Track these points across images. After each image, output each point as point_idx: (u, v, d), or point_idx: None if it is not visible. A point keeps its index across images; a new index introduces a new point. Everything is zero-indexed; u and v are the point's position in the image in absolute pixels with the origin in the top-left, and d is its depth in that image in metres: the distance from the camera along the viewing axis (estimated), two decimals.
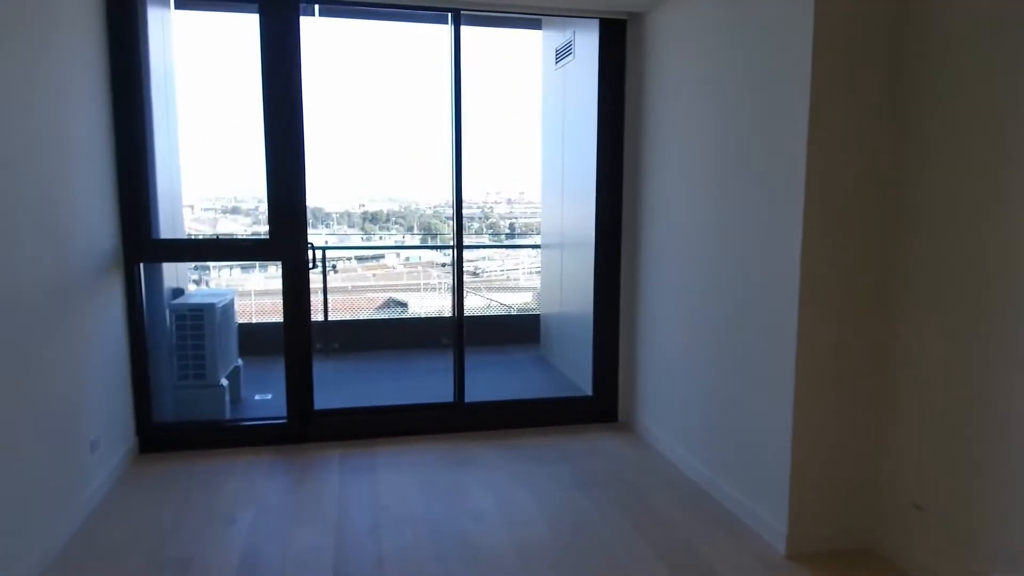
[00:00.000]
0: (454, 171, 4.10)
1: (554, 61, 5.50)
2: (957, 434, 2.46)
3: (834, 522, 2.86)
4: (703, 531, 3.01)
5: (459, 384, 4.20)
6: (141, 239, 3.66)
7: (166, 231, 4.09)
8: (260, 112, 3.73)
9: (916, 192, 2.61)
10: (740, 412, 3.13)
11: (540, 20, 5.91)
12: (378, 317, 8.94)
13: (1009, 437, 2.26)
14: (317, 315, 6.23)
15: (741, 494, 3.13)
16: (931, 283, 2.56)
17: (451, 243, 4.26)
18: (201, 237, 7.33)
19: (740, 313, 3.11)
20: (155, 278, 3.94)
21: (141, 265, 3.72)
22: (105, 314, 3.37)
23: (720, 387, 3.30)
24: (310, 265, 3.87)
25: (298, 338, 3.89)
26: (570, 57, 5.05)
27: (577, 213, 4.88)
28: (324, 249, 6.37)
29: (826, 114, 2.62)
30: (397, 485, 3.43)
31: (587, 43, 4.56)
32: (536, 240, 7.14)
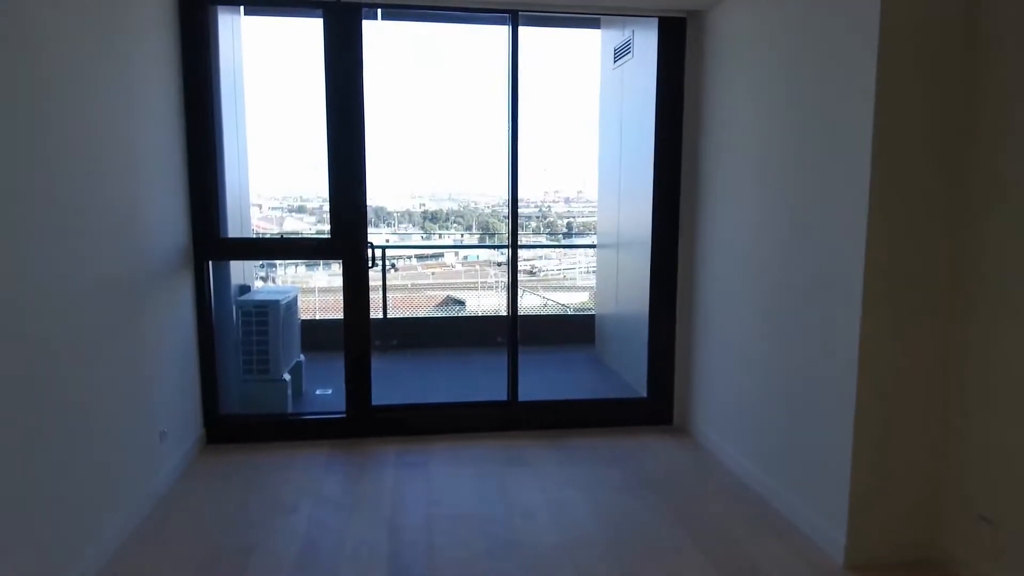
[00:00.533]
0: (510, 171, 4.13)
1: (612, 60, 5.47)
2: None
3: (896, 532, 2.77)
4: (758, 538, 2.96)
5: (512, 383, 4.23)
6: (210, 238, 3.82)
7: (233, 230, 4.25)
8: (323, 114, 3.85)
9: (989, 192, 2.50)
10: (799, 416, 3.06)
11: (599, 19, 5.89)
12: (435, 315, 9.08)
13: None
14: (376, 312, 6.36)
15: (799, 501, 3.06)
16: (1003, 284, 2.45)
17: (506, 242, 4.30)
18: (267, 236, 7.56)
19: (801, 315, 3.04)
20: (223, 275, 4.10)
21: (210, 263, 3.88)
22: (176, 310, 3.53)
23: (779, 391, 3.23)
24: (369, 264, 3.96)
25: (357, 335, 3.99)
26: (628, 56, 5.02)
27: (634, 212, 4.85)
28: (384, 248, 6.50)
29: (893, 114, 2.54)
30: (450, 482, 3.48)
31: (646, 42, 4.53)
32: (593, 239, 7.11)
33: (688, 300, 4.18)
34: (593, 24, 5.98)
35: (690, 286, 4.16)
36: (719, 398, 3.84)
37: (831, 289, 2.80)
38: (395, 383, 5.30)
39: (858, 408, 2.67)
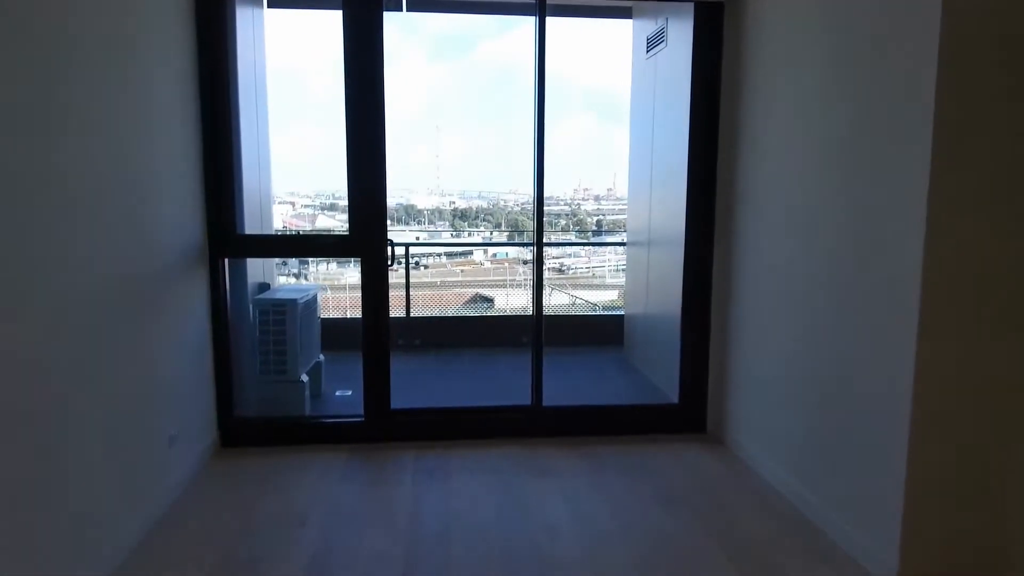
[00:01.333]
0: (535, 168, 3.95)
1: (644, 51, 5.25)
2: None
3: (955, 559, 2.53)
4: (800, 560, 2.74)
5: (537, 387, 4.05)
6: (226, 235, 3.71)
7: (253, 227, 4.15)
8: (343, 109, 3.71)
9: None
10: (847, 428, 2.83)
11: (630, 9, 5.68)
12: (460, 314, 8.93)
13: None
14: (399, 311, 6.23)
15: (845, 521, 2.83)
16: None
17: (531, 240, 4.12)
18: (285, 233, 7.44)
19: (849, 320, 2.81)
20: (239, 273, 3.99)
21: (226, 260, 3.77)
22: (189, 309, 3.43)
23: (823, 399, 3.00)
24: (389, 263, 3.82)
25: (376, 336, 3.85)
26: (662, 45, 4.80)
27: (666, 209, 4.63)
28: (407, 246, 6.35)
29: (957, 103, 2.30)
30: (470, 491, 3.32)
31: (680, 30, 4.31)
32: (622, 237, 6.89)
33: (723, 301, 3.96)
34: (625, 14, 5.77)
35: (726, 286, 3.94)
36: (756, 406, 3.62)
37: (886, 292, 2.57)
38: (417, 385, 5.15)
39: (913, 419, 2.44)
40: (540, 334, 4.06)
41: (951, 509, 2.51)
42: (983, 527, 2.52)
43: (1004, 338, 2.43)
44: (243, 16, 4.04)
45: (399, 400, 3.96)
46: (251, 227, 4.11)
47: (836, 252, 2.88)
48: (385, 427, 3.90)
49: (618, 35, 6.08)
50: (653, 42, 5.01)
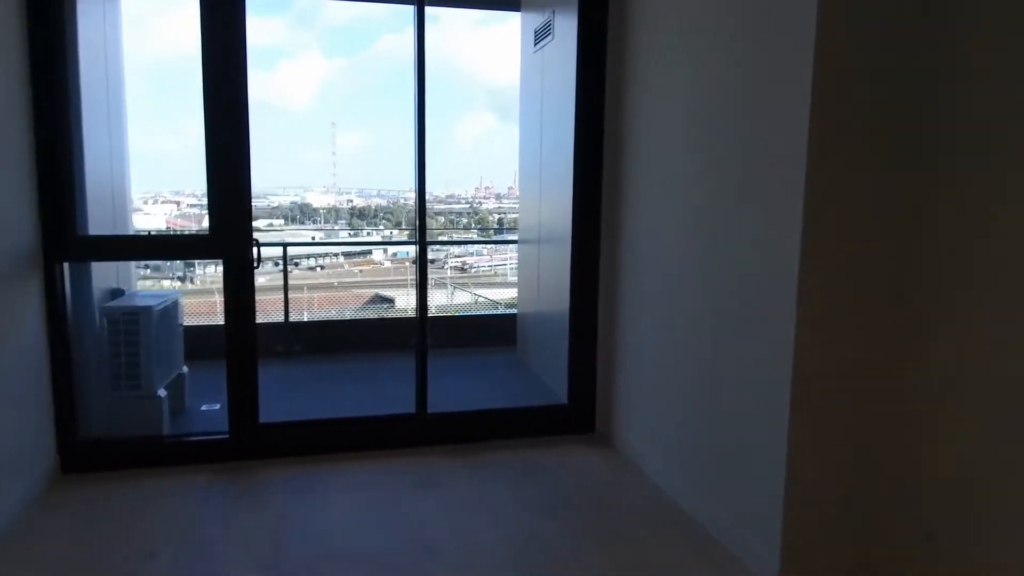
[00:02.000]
0: (416, 163, 3.75)
1: (532, 44, 5.14)
2: (981, 453, 2.13)
3: (836, 555, 2.52)
4: (688, 563, 2.66)
5: (421, 393, 3.84)
6: (64, 236, 3.29)
7: (106, 227, 3.75)
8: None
9: (939, 178, 2.27)
10: (730, 427, 2.78)
11: (519, 0, 5.55)
12: (349, 317, 8.56)
13: None
14: (277, 316, 5.86)
15: (731, 521, 2.78)
16: (951, 283, 2.23)
17: (417, 239, 3.91)
18: (137, 234, 6.81)
19: (731, 318, 2.76)
20: (83, 278, 3.57)
21: (66, 265, 3.36)
22: (17, 320, 3.01)
23: (708, 399, 2.95)
24: (255, 264, 3.51)
25: (241, 343, 3.52)
26: (549, 38, 4.69)
27: (555, 206, 4.52)
28: (284, 246, 5.97)
29: (831, 96, 2.26)
30: (346, 512, 3.07)
31: (567, 21, 4.20)
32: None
33: (611, 298, 3.88)
34: (513, 6, 5.64)
35: (613, 283, 3.86)
36: (643, 405, 3.55)
37: (766, 289, 2.52)
38: (294, 395, 4.81)
39: (792, 419, 2.40)
40: (424, 337, 3.86)
41: (831, 509, 2.49)
42: (865, 524, 2.52)
43: (883, 330, 2.43)
44: (88, 4, 3.65)
45: (272, 413, 3.66)
46: (102, 228, 3.71)
47: (719, 249, 2.82)
48: (253, 443, 3.58)
49: (514, 29, 5.93)
50: (540, 35, 4.90)
